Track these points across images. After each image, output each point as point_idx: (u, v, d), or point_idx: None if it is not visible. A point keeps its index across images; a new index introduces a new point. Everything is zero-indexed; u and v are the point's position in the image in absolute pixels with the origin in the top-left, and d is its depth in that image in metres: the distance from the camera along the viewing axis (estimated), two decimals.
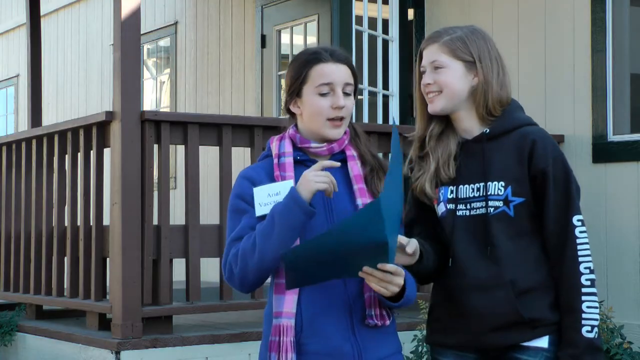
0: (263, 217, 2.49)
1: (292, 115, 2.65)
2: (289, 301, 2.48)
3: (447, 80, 2.62)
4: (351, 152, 2.62)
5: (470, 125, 2.66)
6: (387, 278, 2.38)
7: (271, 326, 2.51)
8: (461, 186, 2.64)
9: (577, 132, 5.99)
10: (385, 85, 6.70)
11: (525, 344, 2.56)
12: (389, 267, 2.36)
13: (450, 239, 2.64)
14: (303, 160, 2.59)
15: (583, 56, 6.00)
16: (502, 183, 2.57)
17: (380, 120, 6.56)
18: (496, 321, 2.54)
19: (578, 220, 2.58)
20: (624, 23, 6.09)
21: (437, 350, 2.71)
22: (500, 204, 2.57)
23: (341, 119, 2.56)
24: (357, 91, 2.64)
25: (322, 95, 2.54)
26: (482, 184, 2.60)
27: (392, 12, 6.82)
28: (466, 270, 2.57)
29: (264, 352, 2.54)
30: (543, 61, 6.19)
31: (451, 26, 2.71)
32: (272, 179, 2.55)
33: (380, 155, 2.82)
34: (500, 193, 2.57)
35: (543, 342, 2.56)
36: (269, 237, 2.42)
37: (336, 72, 2.55)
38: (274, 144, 2.63)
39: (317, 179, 2.40)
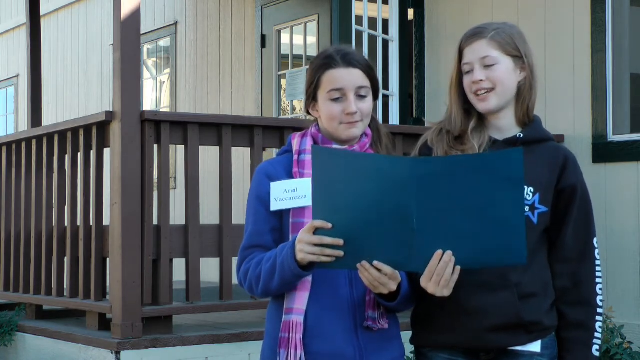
0: (278, 212, 2.51)
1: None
2: (300, 298, 2.48)
3: (501, 76, 2.58)
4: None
5: (507, 124, 2.64)
6: (382, 280, 2.35)
7: (275, 322, 2.52)
8: None
9: (577, 132, 5.99)
10: (385, 86, 6.70)
11: (519, 348, 2.57)
12: (386, 269, 2.32)
13: None
14: None
15: (583, 56, 6.00)
16: (532, 189, 2.57)
17: (380, 121, 6.54)
18: (496, 321, 2.54)
19: (596, 242, 2.64)
20: (624, 23, 6.09)
21: (425, 355, 2.66)
22: (526, 209, 2.55)
23: (356, 121, 2.53)
24: (377, 90, 2.60)
25: (334, 100, 2.52)
26: None
27: (392, 12, 6.82)
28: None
29: (267, 350, 2.54)
30: (543, 61, 6.18)
31: (486, 22, 2.68)
32: (290, 176, 2.55)
33: None
34: (528, 198, 2.56)
35: (536, 347, 2.59)
36: (271, 278, 2.45)
37: (347, 78, 2.52)
38: (295, 140, 2.62)
39: (307, 249, 2.31)
